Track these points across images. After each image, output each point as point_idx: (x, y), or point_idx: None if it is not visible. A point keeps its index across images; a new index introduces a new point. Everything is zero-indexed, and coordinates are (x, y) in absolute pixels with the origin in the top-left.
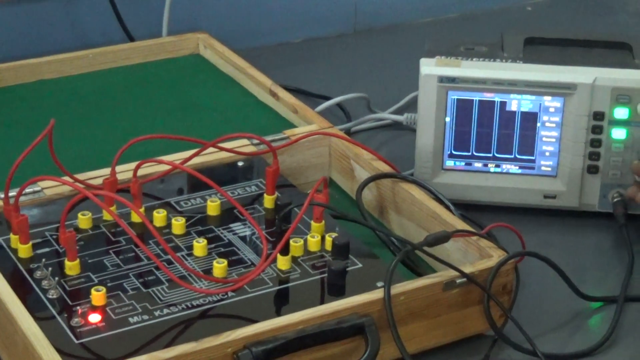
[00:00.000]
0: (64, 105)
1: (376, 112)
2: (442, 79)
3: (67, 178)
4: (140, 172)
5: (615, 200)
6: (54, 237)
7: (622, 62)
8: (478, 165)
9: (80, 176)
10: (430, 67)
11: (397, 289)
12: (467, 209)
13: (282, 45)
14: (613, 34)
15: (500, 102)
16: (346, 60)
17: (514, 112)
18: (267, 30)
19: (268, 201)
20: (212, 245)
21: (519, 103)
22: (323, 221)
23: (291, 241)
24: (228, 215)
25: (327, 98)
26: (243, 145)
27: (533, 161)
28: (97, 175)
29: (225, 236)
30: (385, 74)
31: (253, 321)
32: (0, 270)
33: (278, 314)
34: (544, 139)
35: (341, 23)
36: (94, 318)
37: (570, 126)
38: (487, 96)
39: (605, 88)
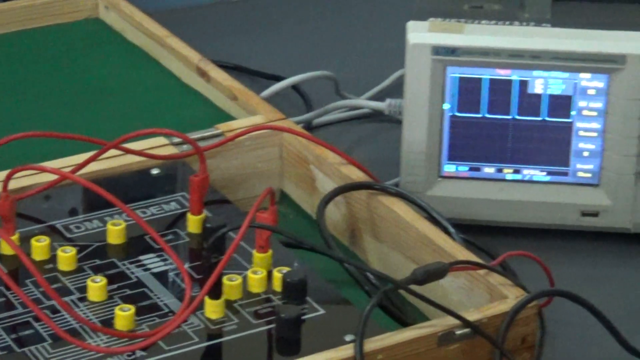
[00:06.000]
0: None
1: (348, 97)
2: (439, 50)
3: None
4: (12, 185)
5: None
6: None
7: None
8: (489, 170)
9: None
10: (421, 34)
11: (374, 344)
12: (473, 231)
13: (216, 4)
14: None
15: (520, 81)
16: (305, 26)
17: (539, 96)
18: None
19: (193, 223)
20: (115, 286)
21: (545, 83)
22: (270, 251)
23: (225, 279)
24: (137, 244)
25: (279, 78)
26: (159, 145)
27: (566, 165)
28: None
29: (132, 273)
30: (360, 45)
31: None
32: None
33: None
34: (581, 133)
35: None
36: None
37: (617, 115)
38: (502, 74)
39: None
